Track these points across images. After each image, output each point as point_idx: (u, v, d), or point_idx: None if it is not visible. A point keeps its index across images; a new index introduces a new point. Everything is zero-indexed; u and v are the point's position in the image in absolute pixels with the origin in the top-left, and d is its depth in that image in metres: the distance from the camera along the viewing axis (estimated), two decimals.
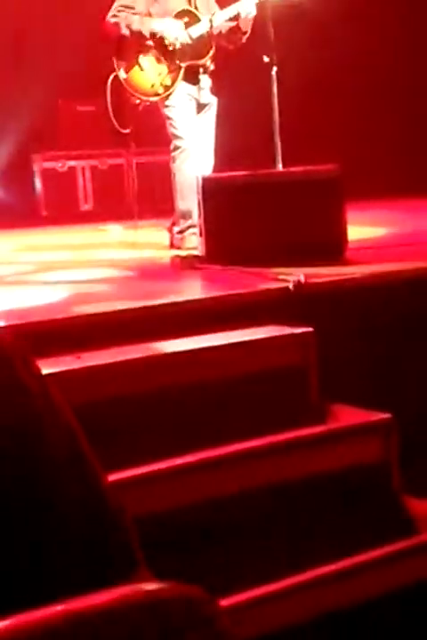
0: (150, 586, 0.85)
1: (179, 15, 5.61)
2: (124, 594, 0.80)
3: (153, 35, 5.56)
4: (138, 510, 2.83)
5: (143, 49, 5.60)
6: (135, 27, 5.56)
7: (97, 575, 0.97)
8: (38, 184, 8.60)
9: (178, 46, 5.55)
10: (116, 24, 5.59)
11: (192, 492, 3.02)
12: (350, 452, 3.37)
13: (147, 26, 5.56)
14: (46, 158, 8.62)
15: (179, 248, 5.59)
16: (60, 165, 8.61)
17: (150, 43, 5.56)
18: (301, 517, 3.12)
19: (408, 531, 3.21)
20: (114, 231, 7.39)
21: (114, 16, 5.61)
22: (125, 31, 5.56)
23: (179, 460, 3.01)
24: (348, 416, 3.46)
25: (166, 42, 5.56)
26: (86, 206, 8.63)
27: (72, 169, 8.63)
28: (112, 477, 2.80)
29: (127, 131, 5.76)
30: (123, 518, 1.07)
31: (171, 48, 5.56)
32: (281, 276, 3.96)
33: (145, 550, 2.69)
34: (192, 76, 5.63)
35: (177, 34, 5.55)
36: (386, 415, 3.38)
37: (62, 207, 8.43)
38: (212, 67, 5.68)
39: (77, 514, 1.03)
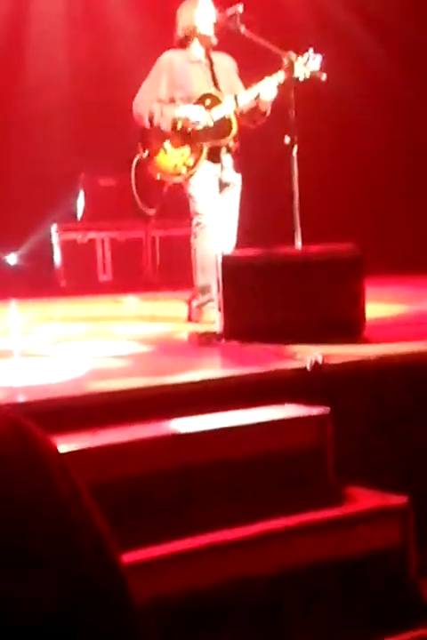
0: None
1: (201, 99, 5.70)
2: None
3: (175, 123, 5.65)
4: (151, 592, 2.82)
5: (166, 134, 5.69)
6: (156, 121, 5.66)
7: None
8: (58, 255, 8.67)
9: (200, 128, 5.63)
10: (140, 116, 5.69)
11: (207, 574, 2.99)
12: (367, 536, 3.33)
13: (167, 118, 5.64)
14: (66, 229, 8.70)
15: (197, 322, 5.60)
16: (81, 237, 8.69)
17: (174, 128, 5.66)
18: (317, 603, 3.08)
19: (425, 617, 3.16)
20: (132, 303, 7.42)
21: (138, 105, 5.71)
22: (147, 124, 5.67)
23: (194, 542, 2.98)
24: (364, 499, 3.43)
25: (189, 128, 5.65)
26: (105, 277, 8.69)
27: (92, 241, 8.71)
28: (126, 558, 2.79)
29: (152, 211, 5.84)
30: (151, 632, 1.05)
31: (192, 133, 5.65)
32: (299, 356, 3.96)
33: (161, 630, 2.66)
34: (215, 156, 5.70)
35: (199, 118, 5.63)
36: (402, 499, 3.35)
37: (81, 278, 8.48)
38: (235, 146, 5.75)
39: (105, 628, 1.02)
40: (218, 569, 3.01)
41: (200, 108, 5.67)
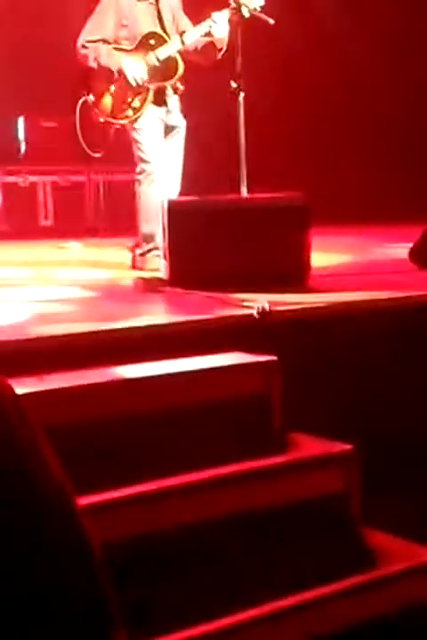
0: None
1: (146, 37, 5.60)
2: None
3: (119, 71, 5.56)
4: (101, 536, 2.80)
5: (112, 79, 5.59)
6: (103, 62, 5.56)
7: (80, 631, 0.93)
8: None
9: (136, 85, 5.54)
10: (85, 56, 5.59)
11: (148, 521, 2.98)
12: (311, 483, 3.36)
13: (114, 62, 5.55)
14: (7, 172, 8.55)
15: (141, 269, 5.56)
16: (22, 180, 8.55)
17: (118, 78, 5.57)
18: (259, 548, 3.09)
19: (367, 564, 3.19)
20: (74, 248, 7.33)
21: (83, 47, 5.60)
22: (93, 64, 5.57)
23: (137, 488, 2.97)
24: (309, 446, 3.44)
25: (131, 83, 5.56)
26: (47, 222, 8.57)
27: (33, 184, 8.58)
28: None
29: (98, 155, 5.74)
30: (106, 577, 1.04)
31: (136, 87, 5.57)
32: (245, 303, 3.94)
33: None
34: (160, 98, 5.62)
35: (135, 74, 5.54)
36: (347, 446, 3.37)
37: (22, 222, 8.36)
38: (181, 88, 5.67)
39: (64, 568, 1.00)
40: (163, 516, 3.00)
41: (140, 57, 5.57)
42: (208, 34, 5.50)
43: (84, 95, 5.60)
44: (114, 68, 5.56)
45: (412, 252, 5.28)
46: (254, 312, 3.77)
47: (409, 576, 3.14)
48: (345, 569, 3.11)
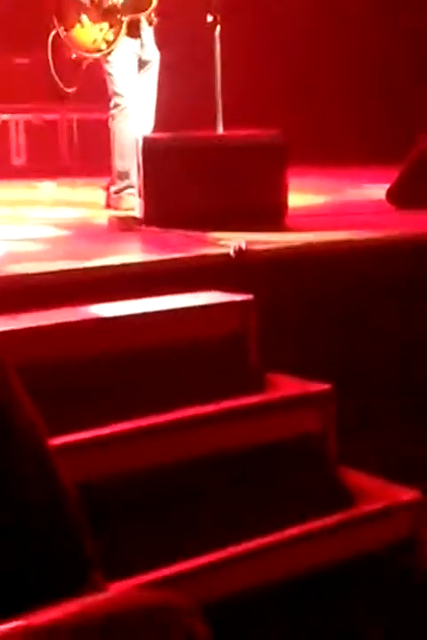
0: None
1: None
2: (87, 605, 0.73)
3: None
4: (75, 477, 2.77)
5: (83, 8, 5.44)
6: None
7: (55, 571, 0.89)
8: None
9: (118, 3, 5.40)
10: None
11: (123, 461, 2.95)
12: (288, 422, 3.34)
13: None
14: None
15: (115, 208, 5.47)
16: None
17: (87, 3, 5.42)
18: (238, 487, 3.08)
19: (345, 503, 3.19)
20: (48, 188, 7.23)
21: None
22: None
23: (112, 428, 2.94)
24: (286, 386, 3.42)
25: (104, 3, 5.42)
26: (19, 161, 8.44)
27: (5, 123, 8.43)
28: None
29: (72, 90, 5.61)
30: (81, 517, 1.00)
31: (110, 6, 5.42)
32: (222, 242, 3.89)
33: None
34: (134, 31, 5.49)
35: None
36: (324, 386, 3.35)
37: None
38: (156, 20, 5.54)
39: (38, 508, 0.96)
40: (139, 456, 2.97)
41: None
42: None
43: (54, 28, 5.45)
44: None
45: (389, 193, 5.25)
46: (231, 251, 3.72)
47: (386, 515, 3.15)
48: (323, 507, 3.11)
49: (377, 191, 5.55)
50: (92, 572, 0.92)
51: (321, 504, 3.12)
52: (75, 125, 8.39)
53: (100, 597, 0.78)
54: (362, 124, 8.10)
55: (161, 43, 5.65)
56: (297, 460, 3.27)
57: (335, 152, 7.41)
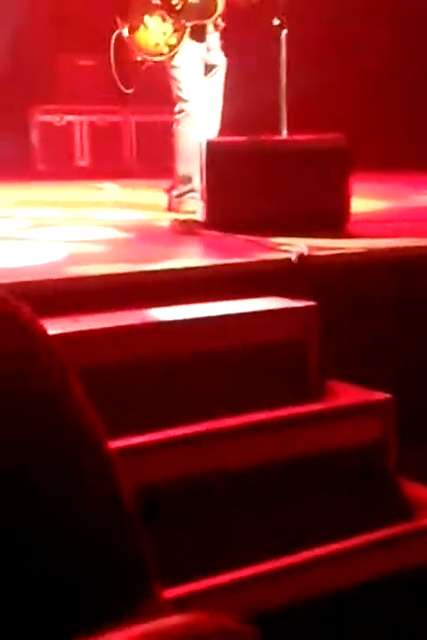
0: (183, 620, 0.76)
1: None
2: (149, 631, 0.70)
3: None
4: (134, 481, 2.77)
5: (149, 9, 5.44)
6: None
7: (115, 587, 0.88)
8: (35, 137, 8.45)
9: (185, 4, 5.39)
10: None
11: (187, 465, 2.94)
12: (348, 432, 3.30)
13: None
14: (44, 111, 8.47)
15: (177, 212, 5.47)
16: (58, 119, 8.47)
17: (157, 1, 5.41)
18: (297, 496, 3.05)
19: (404, 514, 3.15)
20: (110, 190, 7.26)
21: None
22: None
23: (174, 432, 2.93)
24: (347, 394, 3.38)
25: (173, 1, 5.40)
26: (83, 162, 8.50)
27: (70, 124, 8.49)
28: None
29: (130, 91, 5.61)
30: (140, 524, 0.98)
31: (178, 6, 5.41)
32: (284, 247, 3.86)
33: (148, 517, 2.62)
34: (199, 35, 5.48)
35: None
36: (385, 395, 3.31)
37: (58, 162, 8.29)
38: (222, 25, 5.52)
39: (97, 513, 0.95)
40: (199, 461, 2.96)
41: None
42: None
43: (119, 28, 5.45)
44: None
45: None
46: (293, 256, 3.69)
47: None
48: (383, 519, 3.06)
49: None
50: (154, 585, 0.90)
51: (381, 515, 3.08)
52: (138, 127, 8.43)
53: (162, 623, 0.76)
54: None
55: (227, 45, 5.64)
56: (357, 469, 3.23)
57: (400, 158, 7.33)
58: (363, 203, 5.39)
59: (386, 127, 8.07)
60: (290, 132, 5.02)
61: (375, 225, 4.80)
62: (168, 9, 5.41)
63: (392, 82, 8.34)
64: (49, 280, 3.31)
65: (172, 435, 2.93)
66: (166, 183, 5.84)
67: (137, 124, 8.54)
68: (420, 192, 6.41)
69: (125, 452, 2.78)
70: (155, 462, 2.90)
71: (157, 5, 5.41)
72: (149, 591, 0.88)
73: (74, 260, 3.90)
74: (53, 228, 4.96)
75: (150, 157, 8.06)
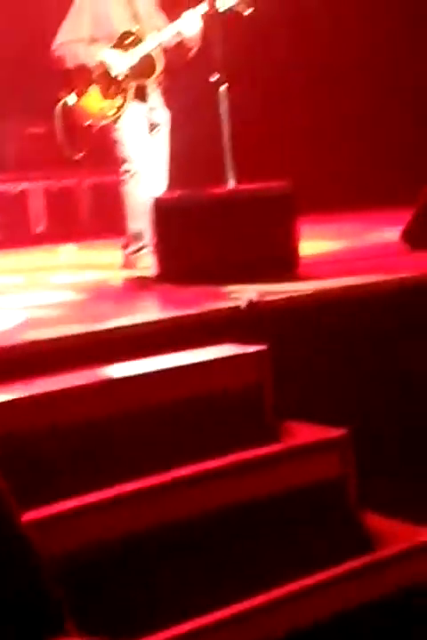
0: None
1: (122, 38, 5.58)
2: None
3: (100, 65, 5.54)
4: (91, 536, 2.81)
5: (90, 78, 5.57)
6: (82, 59, 5.54)
7: (29, 629, 0.93)
8: None
9: (121, 77, 5.53)
10: (62, 57, 5.57)
11: (146, 517, 2.98)
12: (307, 469, 3.35)
13: (92, 57, 5.54)
14: None
15: (133, 268, 5.55)
16: (12, 188, 8.54)
17: (98, 72, 5.54)
18: (258, 537, 3.09)
19: (365, 547, 3.19)
20: (68, 252, 7.33)
21: (59, 46, 5.58)
22: (71, 64, 5.55)
23: (132, 485, 2.97)
24: (304, 433, 3.44)
25: (112, 73, 5.54)
26: (39, 228, 8.56)
27: (23, 192, 8.56)
28: (61, 506, 2.77)
29: (80, 156, 5.71)
30: (48, 574, 1.03)
31: (119, 77, 5.54)
32: (233, 295, 3.94)
33: (102, 573, 2.65)
34: (142, 95, 5.60)
35: (119, 68, 5.52)
36: (341, 431, 3.36)
37: (15, 230, 8.34)
38: (164, 83, 5.65)
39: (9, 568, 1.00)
40: (158, 511, 2.99)
41: (121, 54, 5.55)
42: (178, 33, 5.48)
43: (62, 97, 5.57)
44: (93, 63, 5.53)
45: (404, 234, 5.24)
46: (242, 303, 3.77)
47: (408, 557, 3.14)
48: (344, 553, 3.11)
49: (392, 234, 5.54)
50: (65, 623, 0.94)
51: (342, 549, 3.13)
52: (89, 189, 8.51)
53: None
54: (375, 169, 8.14)
55: (170, 100, 5.74)
56: (317, 506, 3.28)
57: (349, 198, 7.45)
58: (314, 245, 5.48)
59: (335, 169, 8.21)
60: (239, 179, 5.11)
61: (325, 266, 4.88)
62: (108, 76, 5.54)
63: (337, 123, 8.49)
64: (2, 347, 3.36)
65: (133, 488, 2.97)
66: (123, 241, 5.92)
67: (91, 185, 8.62)
68: (376, 229, 6.49)
69: (90, 507, 2.83)
70: (116, 516, 2.93)
71: (98, 74, 5.54)
72: (61, 627, 0.92)
73: (30, 324, 3.95)
74: (9, 296, 5.01)
75: (106, 217, 8.12)
